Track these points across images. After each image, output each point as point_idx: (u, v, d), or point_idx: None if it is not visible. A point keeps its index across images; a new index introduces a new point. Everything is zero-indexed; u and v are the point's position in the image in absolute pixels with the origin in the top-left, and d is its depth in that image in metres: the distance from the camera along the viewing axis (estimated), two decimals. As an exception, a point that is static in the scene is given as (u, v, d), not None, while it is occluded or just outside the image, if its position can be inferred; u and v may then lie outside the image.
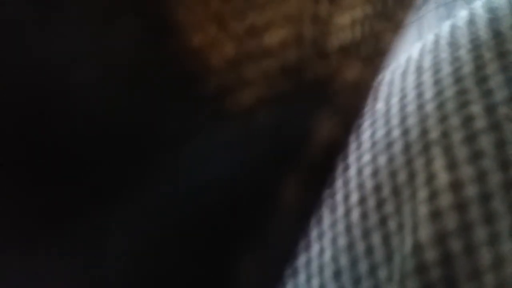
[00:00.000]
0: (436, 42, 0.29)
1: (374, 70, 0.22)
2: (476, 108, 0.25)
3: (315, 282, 0.27)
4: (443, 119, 0.26)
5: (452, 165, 0.25)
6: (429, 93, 0.27)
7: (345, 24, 0.21)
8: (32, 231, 0.21)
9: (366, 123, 0.29)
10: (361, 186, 0.27)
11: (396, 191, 0.26)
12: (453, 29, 0.29)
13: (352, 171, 0.28)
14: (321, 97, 0.21)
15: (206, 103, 0.20)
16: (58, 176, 0.21)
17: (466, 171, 0.24)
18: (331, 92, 0.21)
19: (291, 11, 0.20)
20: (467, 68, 0.27)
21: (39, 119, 0.20)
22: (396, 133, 0.27)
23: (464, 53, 0.27)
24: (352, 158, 0.28)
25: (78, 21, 0.19)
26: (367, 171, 0.27)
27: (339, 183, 0.28)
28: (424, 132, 0.26)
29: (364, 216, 0.26)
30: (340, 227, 0.27)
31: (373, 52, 0.22)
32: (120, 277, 0.22)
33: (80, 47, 0.20)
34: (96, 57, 0.19)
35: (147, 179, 0.21)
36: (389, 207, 0.26)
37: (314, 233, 0.28)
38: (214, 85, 0.20)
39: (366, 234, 0.26)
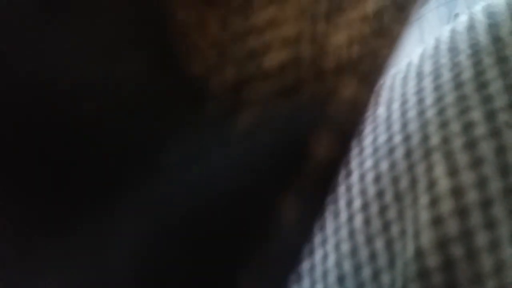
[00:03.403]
0: (436, 47, 0.29)
1: (370, 87, 0.23)
2: (476, 114, 0.25)
3: (319, 287, 0.27)
4: (443, 125, 0.26)
5: (453, 171, 0.25)
6: (429, 99, 0.27)
7: (342, 43, 0.21)
8: (33, 231, 0.21)
9: (367, 128, 0.29)
10: (363, 192, 0.27)
11: (398, 197, 0.26)
12: (453, 34, 0.29)
13: (355, 177, 0.28)
14: (319, 116, 0.22)
15: (207, 126, 0.20)
16: (59, 175, 0.21)
17: (467, 177, 0.24)
18: (329, 110, 0.22)
19: (289, 34, 0.20)
20: (467, 74, 0.27)
21: (40, 121, 0.21)
22: (397, 139, 0.27)
23: (464, 58, 0.27)
24: (354, 163, 0.29)
25: (86, 50, 0.20)
26: (370, 177, 0.27)
27: (341, 189, 0.28)
28: (425, 138, 0.26)
29: (367, 222, 0.27)
30: (344, 232, 0.27)
31: (369, 70, 0.23)
32: (124, 277, 0.22)
33: (87, 70, 0.20)
34: (102, 82, 0.20)
35: (149, 179, 0.22)
36: (391, 213, 0.26)
37: (317, 239, 0.28)
38: (215, 108, 0.20)
39: (369, 239, 0.26)
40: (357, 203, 0.27)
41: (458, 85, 0.27)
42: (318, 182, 0.22)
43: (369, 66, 0.22)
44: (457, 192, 0.24)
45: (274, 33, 0.20)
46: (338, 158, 0.23)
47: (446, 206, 0.24)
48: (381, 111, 0.29)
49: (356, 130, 0.23)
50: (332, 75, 0.21)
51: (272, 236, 0.22)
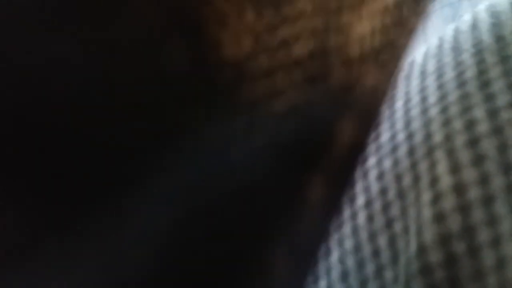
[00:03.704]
0: (440, 46, 0.30)
1: (389, 76, 0.23)
2: (479, 112, 0.26)
3: (323, 283, 0.27)
4: (446, 123, 0.26)
5: (455, 168, 0.25)
6: (432, 98, 0.27)
7: (366, 33, 0.22)
8: (34, 232, 0.21)
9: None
10: (366, 189, 0.28)
11: (401, 194, 0.26)
12: (457, 33, 0.29)
13: (358, 174, 0.28)
14: (344, 102, 0.22)
15: (241, 111, 0.21)
16: (60, 174, 0.21)
17: (469, 174, 0.25)
18: (353, 97, 0.22)
19: (317, 24, 0.21)
20: (470, 72, 0.27)
21: (41, 120, 0.21)
22: (400, 137, 0.28)
23: (467, 57, 0.28)
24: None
25: (133, 38, 0.20)
26: (373, 174, 0.28)
27: None
28: (428, 136, 0.26)
29: (370, 218, 0.27)
30: (347, 229, 0.28)
31: (389, 59, 0.23)
32: (127, 277, 0.22)
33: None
34: (143, 68, 0.20)
35: (167, 167, 0.22)
36: (394, 210, 0.26)
37: None
38: (248, 94, 0.20)
39: (372, 236, 0.27)
40: (361, 200, 0.28)
41: (461, 83, 0.27)
42: (343, 164, 0.23)
43: (388, 55, 0.23)
44: (459, 189, 0.24)
45: (304, 24, 0.21)
46: (361, 142, 0.24)
47: (449, 202, 0.24)
48: (384, 109, 0.29)
49: (376, 115, 0.24)
50: (356, 63, 0.22)
51: (299, 214, 0.22)
